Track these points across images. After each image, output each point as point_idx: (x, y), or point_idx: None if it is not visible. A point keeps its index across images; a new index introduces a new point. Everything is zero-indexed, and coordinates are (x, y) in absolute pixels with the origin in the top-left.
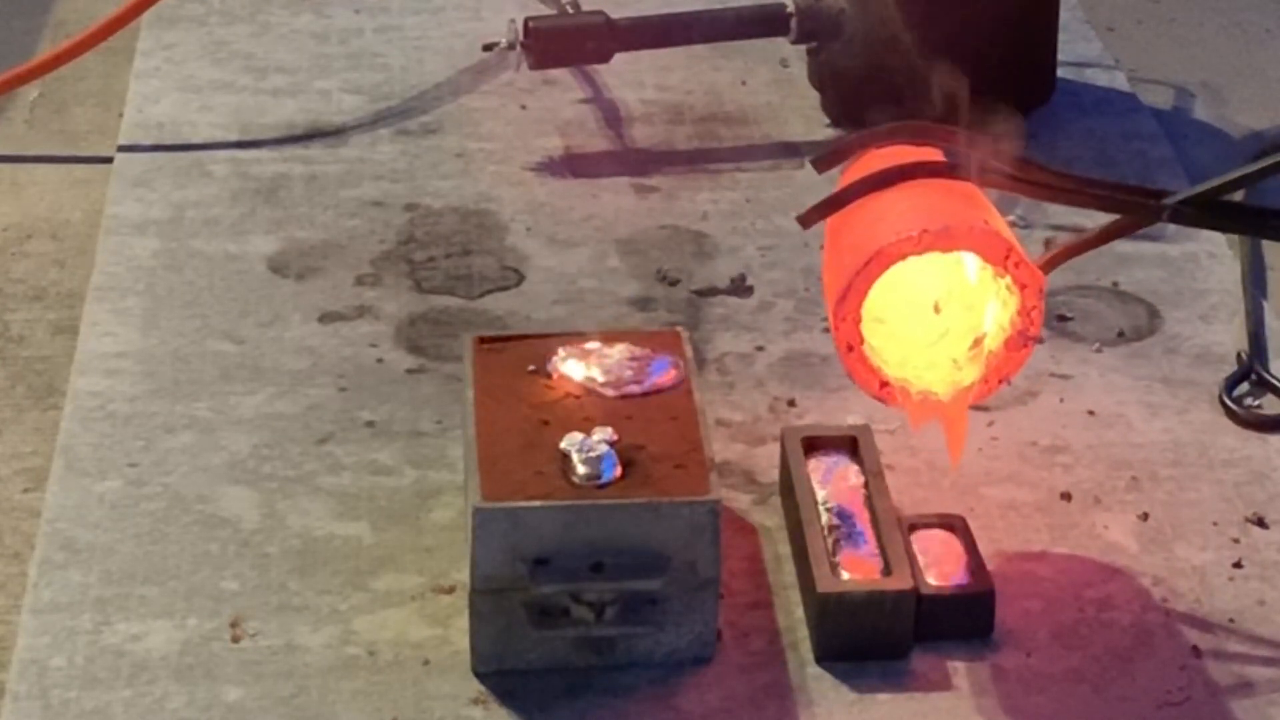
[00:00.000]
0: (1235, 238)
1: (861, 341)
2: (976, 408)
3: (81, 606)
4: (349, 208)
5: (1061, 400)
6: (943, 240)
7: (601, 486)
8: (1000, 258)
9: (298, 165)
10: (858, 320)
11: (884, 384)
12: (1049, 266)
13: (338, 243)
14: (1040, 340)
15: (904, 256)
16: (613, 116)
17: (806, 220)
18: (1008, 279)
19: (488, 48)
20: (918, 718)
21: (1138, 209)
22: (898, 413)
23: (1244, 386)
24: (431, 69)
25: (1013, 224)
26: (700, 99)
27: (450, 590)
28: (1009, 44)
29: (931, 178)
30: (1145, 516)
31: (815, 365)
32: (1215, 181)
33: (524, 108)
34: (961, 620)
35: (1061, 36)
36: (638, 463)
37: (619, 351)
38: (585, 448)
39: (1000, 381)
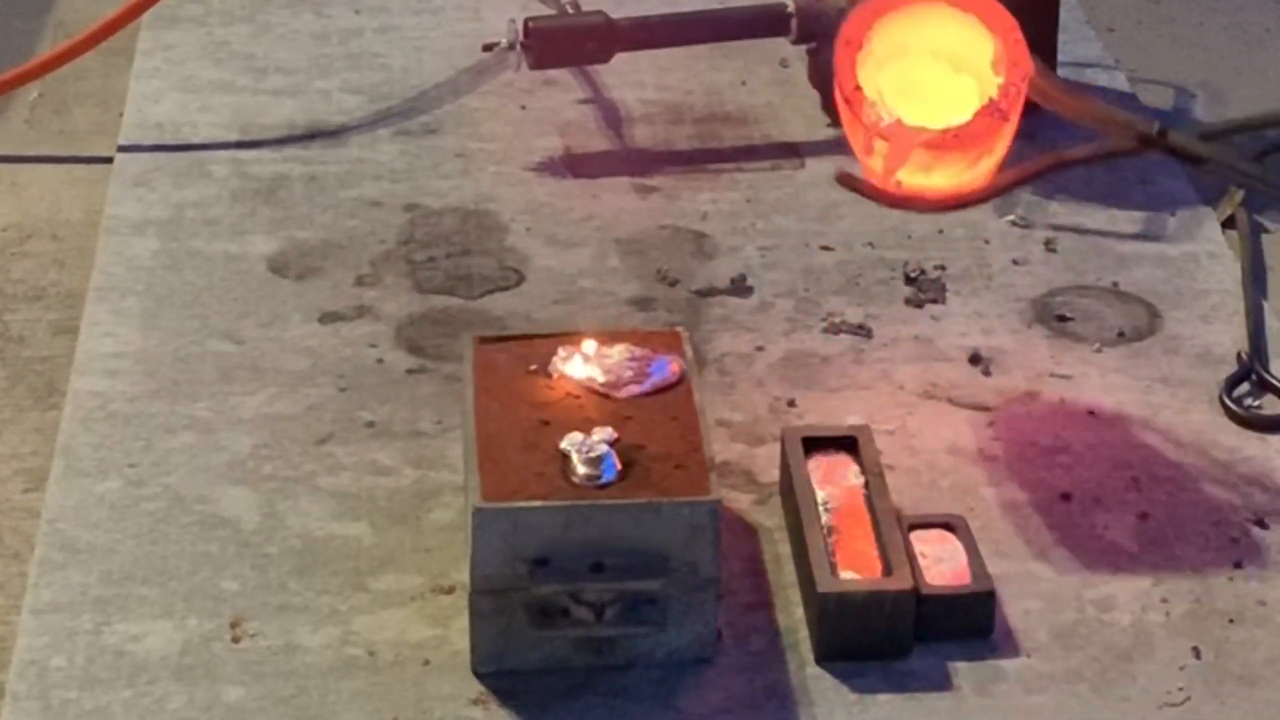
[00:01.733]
0: (1235, 237)
1: (860, 47)
2: (977, 407)
3: (81, 607)
4: (349, 208)
5: (1061, 400)
6: None
7: (601, 486)
8: (1005, 30)
9: (298, 165)
10: (863, 36)
11: (858, 88)
12: (1044, 170)
13: (338, 243)
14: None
15: None
16: (613, 116)
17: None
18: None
19: (488, 48)
20: (918, 718)
21: (1132, 130)
22: (895, 409)
23: (1244, 386)
24: (431, 69)
25: (1012, 224)
26: (700, 99)
27: (450, 590)
28: None
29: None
30: (1145, 516)
31: (815, 365)
32: (1211, 126)
33: (524, 108)
34: (961, 620)
35: (1061, 36)
36: (638, 463)
37: (619, 351)
38: (585, 448)
39: (959, 147)
